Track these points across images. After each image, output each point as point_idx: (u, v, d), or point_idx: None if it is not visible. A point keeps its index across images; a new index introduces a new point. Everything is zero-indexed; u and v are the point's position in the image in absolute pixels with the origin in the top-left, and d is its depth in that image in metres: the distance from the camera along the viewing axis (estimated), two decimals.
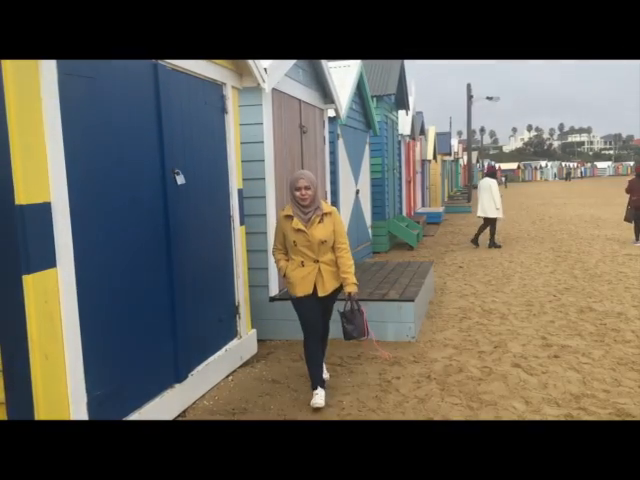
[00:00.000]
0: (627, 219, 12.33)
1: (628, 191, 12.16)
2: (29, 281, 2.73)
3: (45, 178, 2.83)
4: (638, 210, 11.92)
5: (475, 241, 12.68)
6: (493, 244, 12.44)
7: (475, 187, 44.69)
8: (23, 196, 2.69)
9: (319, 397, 4.14)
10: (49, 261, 2.86)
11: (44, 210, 2.83)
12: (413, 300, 5.74)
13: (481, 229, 12.67)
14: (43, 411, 2.79)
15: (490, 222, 12.36)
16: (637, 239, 12.24)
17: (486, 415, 3.98)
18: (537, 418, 3.92)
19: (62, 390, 2.94)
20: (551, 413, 3.99)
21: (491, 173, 12.79)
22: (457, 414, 4.02)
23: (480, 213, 12.37)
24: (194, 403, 4.28)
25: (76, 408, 3.01)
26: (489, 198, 12.10)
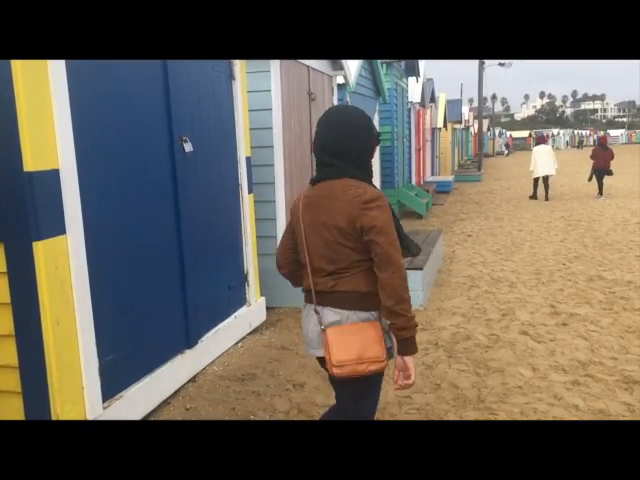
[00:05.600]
0: (590, 179, 15.57)
1: (592, 157, 15.27)
2: (39, 248, 2.75)
3: (53, 145, 2.82)
4: (600, 172, 15.05)
5: (546, 196, 15.22)
6: (547, 197, 15.28)
7: (486, 155, 44.56)
8: (31, 163, 2.69)
9: None
10: (59, 228, 2.87)
11: (52, 177, 2.83)
12: (422, 268, 5.75)
13: (547, 187, 15.30)
14: (56, 376, 2.84)
15: (547, 179, 15.29)
16: (600, 194, 15.15)
17: (493, 381, 4.02)
18: (544, 385, 3.95)
19: (74, 355, 2.99)
20: (558, 380, 4.02)
21: (543, 141, 16.19)
22: (464, 380, 4.06)
23: (547, 172, 15.08)
24: (204, 369, 4.34)
25: (88, 372, 3.06)
26: (554, 160, 15.08)
